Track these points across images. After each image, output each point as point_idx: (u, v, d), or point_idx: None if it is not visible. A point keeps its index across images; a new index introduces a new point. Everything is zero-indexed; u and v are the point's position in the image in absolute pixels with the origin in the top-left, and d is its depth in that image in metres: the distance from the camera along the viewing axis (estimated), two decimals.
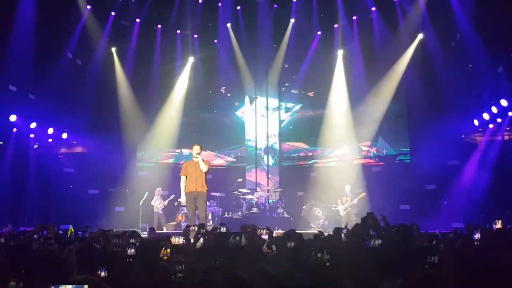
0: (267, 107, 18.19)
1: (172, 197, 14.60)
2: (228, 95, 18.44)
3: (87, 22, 15.57)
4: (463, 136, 16.04)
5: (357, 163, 16.62)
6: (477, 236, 4.95)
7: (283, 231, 10.10)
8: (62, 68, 15.46)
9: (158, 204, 14.74)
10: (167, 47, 17.29)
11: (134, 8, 16.22)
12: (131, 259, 4.12)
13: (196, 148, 10.09)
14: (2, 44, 13.11)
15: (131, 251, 4.19)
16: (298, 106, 18.21)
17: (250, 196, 15.18)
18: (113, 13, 15.98)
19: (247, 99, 18.27)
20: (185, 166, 10.36)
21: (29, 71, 14.00)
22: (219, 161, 17.89)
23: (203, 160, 10.10)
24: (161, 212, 14.83)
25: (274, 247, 4.60)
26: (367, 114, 16.52)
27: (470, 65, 14.86)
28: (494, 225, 5.42)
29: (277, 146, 18.18)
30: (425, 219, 14.22)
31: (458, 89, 14.72)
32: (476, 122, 15.01)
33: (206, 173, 10.11)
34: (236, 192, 15.08)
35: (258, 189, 16.01)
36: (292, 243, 4.95)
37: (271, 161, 17.85)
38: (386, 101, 16.18)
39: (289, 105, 18.35)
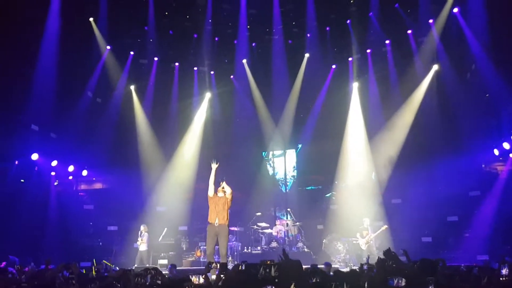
0: (284, 144, 18.30)
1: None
2: (245, 128, 18.53)
3: (107, 61, 16.00)
4: (483, 166, 15.81)
5: (376, 194, 16.43)
6: (504, 271, 4.83)
7: (304, 266, 10.00)
8: (83, 107, 15.85)
9: (139, 240, 13.98)
10: (185, 83, 17.64)
11: (152, 47, 16.57)
12: None
13: (220, 188, 10.58)
14: (25, 85, 13.49)
15: None
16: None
17: (269, 230, 15.05)
18: (132, 53, 16.39)
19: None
20: (211, 196, 10.62)
21: (51, 110, 14.35)
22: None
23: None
24: (145, 249, 13.84)
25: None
26: (385, 145, 16.46)
27: (487, 95, 14.78)
28: None
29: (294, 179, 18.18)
30: (448, 252, 13.94)
31: (476, 119, 14.61)
32: (496, 152, 14.80)
33: (229, 204, 10.49)
34: (255, 227, 14.97)
35: (277, 222, 15.87)
36: (318, 280, 4.88)
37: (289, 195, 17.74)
38: (403, 132, 16.14)
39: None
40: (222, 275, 5.47)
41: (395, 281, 4.50)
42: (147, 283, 5.37)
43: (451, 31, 14.70)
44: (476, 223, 14.65)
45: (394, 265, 5.60)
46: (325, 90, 17.36)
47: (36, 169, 15.06)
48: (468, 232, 14.84)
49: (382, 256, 6.56)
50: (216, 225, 10.27)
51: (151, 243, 14.62)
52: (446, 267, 6.18)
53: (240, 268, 5.90)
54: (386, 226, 13.75)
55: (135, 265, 12.94)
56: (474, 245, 13.93)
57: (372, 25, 15.86)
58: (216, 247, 10.56)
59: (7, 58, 13.16)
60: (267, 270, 4.74)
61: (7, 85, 13.33)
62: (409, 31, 15.71)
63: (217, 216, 10.34)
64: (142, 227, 14.25)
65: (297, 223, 15.59)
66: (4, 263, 10.92)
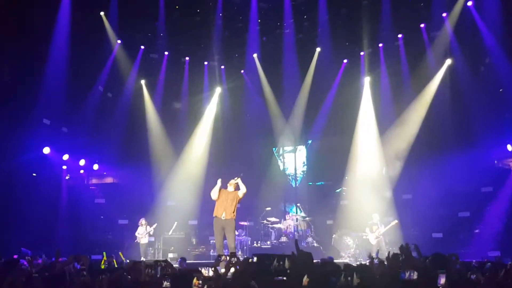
0: (294, 140, 18.23)
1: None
2: (256, 123, 18.49)
3: (118, 56, 16.00)
4: (496, 162, 15.64)
5: (387, 190, 16.33)
6: None
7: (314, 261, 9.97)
8: (94, 101, 15.92)
9: (140, 234, 14.26)
10: (195, 78, 17.62)
11: (162, 41, 16.56)
12: None
13: (232, 180, 10.52)
14: (37, 79, 13.57)
15: (166, 283, 4.21)
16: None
17: (278, 225, 15.05)
18: (142, 47, 16.39)
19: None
20: (220, 190, 10.54)
21: (62, 105, 14.43)
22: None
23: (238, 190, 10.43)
24: (145, 242, 14.23)
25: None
26: (396, 140, 16.38)
27: (500, 90, 14.60)
28: None
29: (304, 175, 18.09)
30: (460, 248, 13.83)
31: (490, 114, 14.42)
32: (509, 147, 14.62)
33: (238, 201, 10.41)
34: (265, 221, 14.98)
35: (286, 217, 15.86)
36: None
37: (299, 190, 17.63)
38: (415, 127, 16.06)
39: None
40: (231, 264, 5.43)
41: (407, 274, 4.45)
42: (158, 275, 5.40)
43: (465, 25, 14.51)
44: (488, 219, 14.54)
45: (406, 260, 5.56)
46: (336, 85, 17.26)
47: (47, 163, 15.15)
48: (479, 228, 14.72)
49: (392, 251, 6.53)
50: (222, 219, 10.16)
51: (162, 237, 14.82)
52: (458, 262, 6.12)
53: (250, 260, 5.88)
54: (396, 221, 13.69)
55: (142, 258, 13.04)
56: (485, 241, 13.84)
57: (384, 19, 15.67)
58: (225, 241, 10.49)
59: (19, 53, 13.25)
60: (281, 262, 4.73)
61: (19, 79, 13.41)
62: (422, 25, 15.54)
63: (225, 211, 10.19)
64: (141, 221, 14.36)
65: (307, 218, 15.57)
66: (15, 256, 11.02)
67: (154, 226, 14.28)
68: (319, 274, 4.48)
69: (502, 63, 13.77)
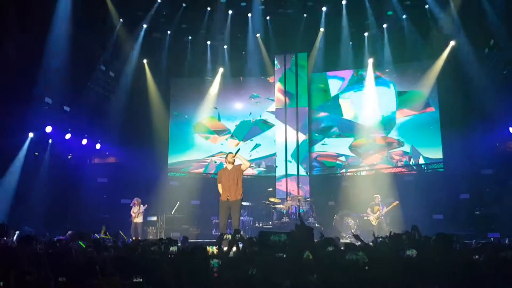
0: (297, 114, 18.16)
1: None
2: (258, 103, 18.46)
3: (120, 34, 15.84)
4: (497, 144, 15.64)
5: (389, 172, 16.39)
6: None
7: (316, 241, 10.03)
8: (96, 80, 15.85)
9: (134, 213, 14.24)
10: (198, 58, 17.54)
11: (165, 20, 16.41)
12: (172, 256, 4.21)
13: (229, 156, 10.25)
14: (38, 58, 13.49)
15: (173, 248, 4.26)
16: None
17: (280, 206, 15.14)
18: (144, 26, 16.24)
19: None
20: (219, 174, 10.45)
21: (64, 83, 14.36)
22: (249, 170, 17.90)
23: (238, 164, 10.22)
24: (141, 221, 14.25)
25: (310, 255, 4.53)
26: (399, 122, 16.40)
27: (504, 72, 14.52)
28: None
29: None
30: (460, 229, 13.93)
31: (493, 96, 14.34)
32: None
33: (242, 176, 10.14)
34: (267, 202, 15.06)
35: (288, 198, 15.94)
36: (331, 248, 4.93)
37: (301, 170, 17.63)
38: (418, 109, 16.11)
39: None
40: (234, 241, 5.44)
41: (406, 252, 4.51)
42: (162, 252, 5.46)
43: (470, 6, 14.34)
44: (489, 201, 14.64)
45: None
46: (340, 65, 17.19)
47: (50, 142, 15.18)
48: (479, 210, 14.81)
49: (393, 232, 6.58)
50: (229, 200, 10.03)
51: (164, 217, 14.97)
52: (458, 243, 6.18)
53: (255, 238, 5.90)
54: (397, 201, 13.78)
55: (132, 237, 13.10)
56: (485, 223, 13.96)
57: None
58: (229, 221, 10.42)
59: (20, 31, 13.15)
60: (278, 237, 4.75)
61: (20, 57, 13.33)
62: (427, 6, 15.36)
63: (228, 191, 10.00)
64: (135, 201, 14.37)
65: (309, 199, 15.64)
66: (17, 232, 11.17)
67: (145, 206, 14.32)
68: (324, 253, 4.52)
69: (506, 44, 13.67)
